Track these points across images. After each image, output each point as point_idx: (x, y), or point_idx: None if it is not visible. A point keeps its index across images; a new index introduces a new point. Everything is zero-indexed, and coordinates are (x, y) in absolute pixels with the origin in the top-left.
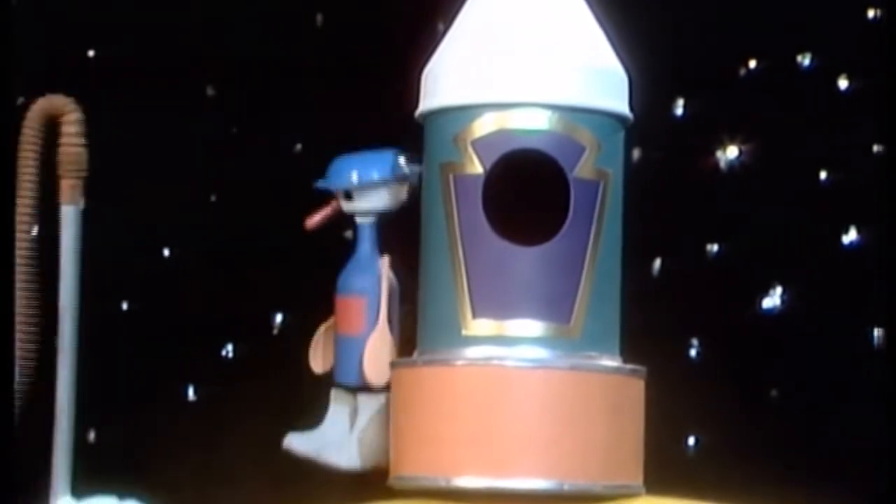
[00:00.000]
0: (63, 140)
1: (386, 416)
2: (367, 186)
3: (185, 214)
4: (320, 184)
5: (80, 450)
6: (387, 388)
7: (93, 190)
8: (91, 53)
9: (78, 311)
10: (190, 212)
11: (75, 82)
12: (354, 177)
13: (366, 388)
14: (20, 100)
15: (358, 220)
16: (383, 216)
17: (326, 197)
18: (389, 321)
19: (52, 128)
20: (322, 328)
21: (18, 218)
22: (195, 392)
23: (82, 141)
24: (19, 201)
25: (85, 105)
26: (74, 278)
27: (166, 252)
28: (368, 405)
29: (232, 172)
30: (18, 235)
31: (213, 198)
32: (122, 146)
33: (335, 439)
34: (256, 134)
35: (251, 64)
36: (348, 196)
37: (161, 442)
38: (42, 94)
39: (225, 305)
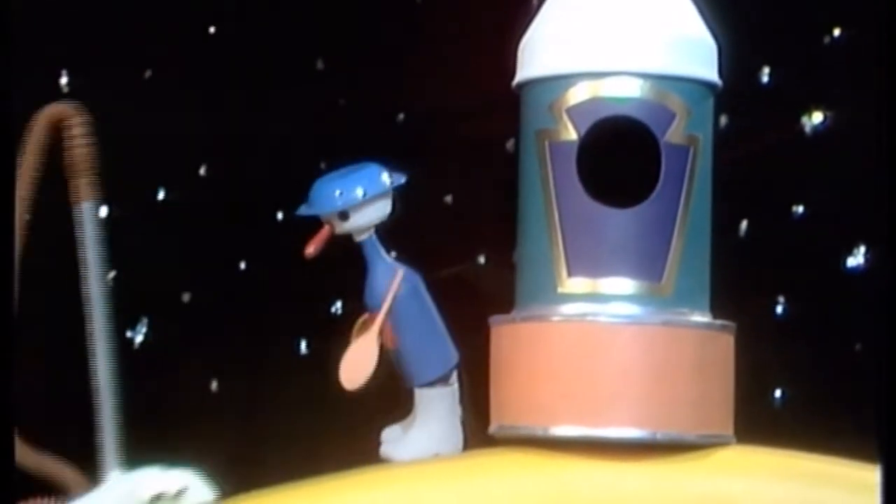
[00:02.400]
0: (73, 142)
1: (445, 409)
2: (368, 201)
3: (296, 181)
4: (311, 210)
5: (203, 398)
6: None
7: (213, 159)
8: (212, 30)
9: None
10: (301, 178)
11: (197, 58)
12: (360, 192)
13: (430, 384)
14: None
15: (358, 237)
16: (379, 226)
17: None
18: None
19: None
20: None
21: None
22: (307, 346)
23: (89, 141)
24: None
25: (207, 79)
26: (99, 270)
27: (280, 216)
28: (424, 401)
29: (339, 141)
30: None
31: (322, 165)
32: (241, 117)
33: (395, 436)
34: (362, 105)
35: (356, 39)
36: (343, 216)
37: (276, 392)
38: (166, 70)
39: (334, 265)
